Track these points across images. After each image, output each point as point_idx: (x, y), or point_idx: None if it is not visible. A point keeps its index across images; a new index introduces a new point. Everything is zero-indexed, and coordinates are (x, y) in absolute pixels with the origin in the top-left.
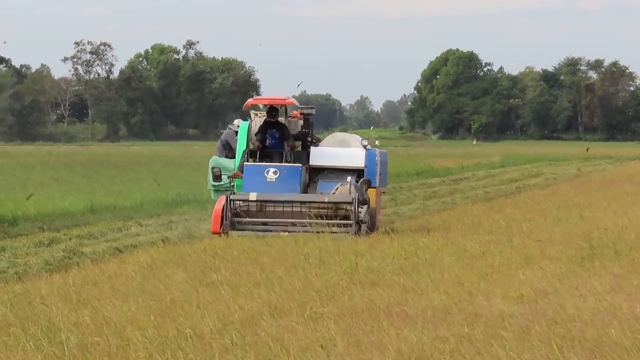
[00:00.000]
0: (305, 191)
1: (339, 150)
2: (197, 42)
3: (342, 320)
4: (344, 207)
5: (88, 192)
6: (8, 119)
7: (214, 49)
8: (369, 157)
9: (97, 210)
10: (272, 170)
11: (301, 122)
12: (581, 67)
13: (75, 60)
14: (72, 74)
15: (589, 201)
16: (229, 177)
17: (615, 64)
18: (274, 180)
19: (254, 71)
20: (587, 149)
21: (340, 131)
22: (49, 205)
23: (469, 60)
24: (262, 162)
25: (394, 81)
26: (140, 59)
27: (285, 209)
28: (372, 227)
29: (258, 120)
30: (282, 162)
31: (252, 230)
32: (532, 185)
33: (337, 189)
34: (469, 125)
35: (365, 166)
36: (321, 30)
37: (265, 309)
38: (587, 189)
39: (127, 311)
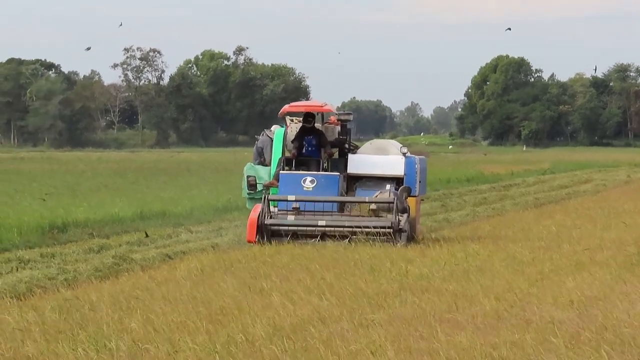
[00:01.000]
0: None
1: (378, 158)
2: (247, 48)
3: (392, 326)
4: (384, 214)
5: (138, 199)
6: (58, 125)
7: (264, 55)
8: (409, 164)
9: (146, 216)
10: (308, 178)
11: (338, 128)
12: (631, 74)
13: (125, 66)
14: (122, 80)
15: (639, 207)
16: (264, 185)
17: None
18: (311, 189)
19: (304, 78)
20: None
21: (391, 138)
22: (98, 212)
23: (519, 66)
24: (299, 170)
25: (444, 87)
26: (190, 65)
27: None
28: (411, 237)
29: (294, 127)
30: (319, 171)
31: (286, 235)
32: (582, 191)
33: (376, 196)
34: (519, 132)
35: (405, 174)
36: (372, 36)
37: (315, 315)
38: (637, 196)
39: (177, 317)
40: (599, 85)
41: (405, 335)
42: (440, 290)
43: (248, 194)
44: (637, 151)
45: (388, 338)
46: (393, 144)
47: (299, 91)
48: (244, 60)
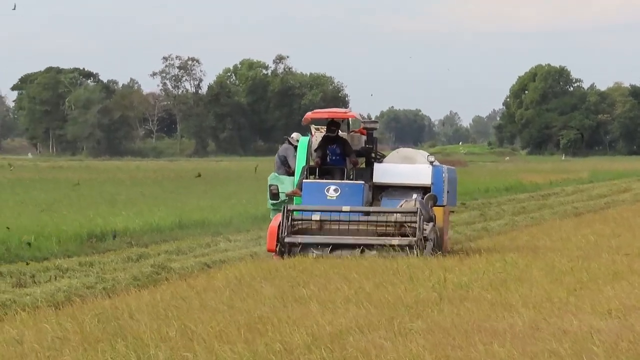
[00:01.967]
0: None
1: (404, 167)
2: (287, 56)
3: (430, 335)
4: (409, 223)
5: (176, 208)
6: (96, 134)
7: (302, 64)
8: (436, 173)
9: (185, 225)
10: (332, 187)
11: (364, 137)
12: None
13: (163, 75)
14: (160, 89)
15: None
16: (287, 195)
17: None
18: (335, 198)
19: (342, 86)
20: None
21: (429, 147)
22: (137, 221)
23: (559, 75)
24: (323, 179)
25: (483, 96)
26: (229, 74)
27: (350, 227)
28: (439, 248)
29: (319, 135)
30: (343, 180)
31: (311, 248)
32: (621, 200)
33: (401, 205)
34: (557, 141)
35: (432, 183)
36: (411, 44)
37: (353, 324)
38: None
39: (216, 326)
40: (638, 94)
41: (443, 345)
42: (478, 300)
43: (272, 204)
44: None
45: (426, 347)
46: (420, 153)
47: (337, 100)
48: (284, 69)
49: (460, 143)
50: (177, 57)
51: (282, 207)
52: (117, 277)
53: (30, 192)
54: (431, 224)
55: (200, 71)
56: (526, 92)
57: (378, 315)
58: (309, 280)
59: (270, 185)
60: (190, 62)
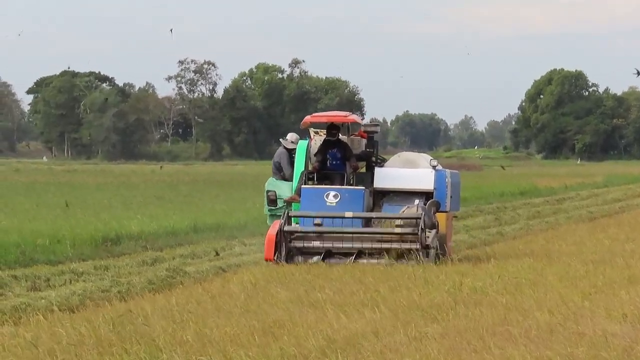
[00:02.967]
0: None
1: (406, 172)
2: (303, 61)
3: (445, 339)
4: (410, 230)
5: (191, 211)
6: (111, 137)
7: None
8: (439, 178)
9: (200, 229)
10: (332, 193)
11: (365, 141)
12: None
13: (179, 79)
14: (176, 93)
15: None
16: (285, 201)
17: None
18: (335, 204)
19: (358, 91)
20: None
21: (445, 151)
22: (152, 224)
23: (576, 80)
24: (322, 184)
25: (498, 101)
26: (245, 78)
27: (347, 235)
28: (441, 254)
29: (318, 139)
30: (343, 185)
31: (310, 256)
32: (636, 205)
33: (402, 212)
34: (572, 145)
35: (435, 188)
36: (426, 48)
37: (369, 328)
38: None
39: (231, 330)
40: None
41: (459, 349)
42: (493, 304)
43: (269, 210)
44: None
45: (441, 351)
46: (423, 157)
47: (353, 104)
48: (299, 73)
49: (476, 147)
50: (193, 61)
51: (283, 212)
52: (132, 280)
53: (43, 196)
54: (434, 231)
55: (216, 75)
56: (542, 96)
57: (393, 319)
58: (324, 284)
59: (267, 191)
60: (206, 66)
